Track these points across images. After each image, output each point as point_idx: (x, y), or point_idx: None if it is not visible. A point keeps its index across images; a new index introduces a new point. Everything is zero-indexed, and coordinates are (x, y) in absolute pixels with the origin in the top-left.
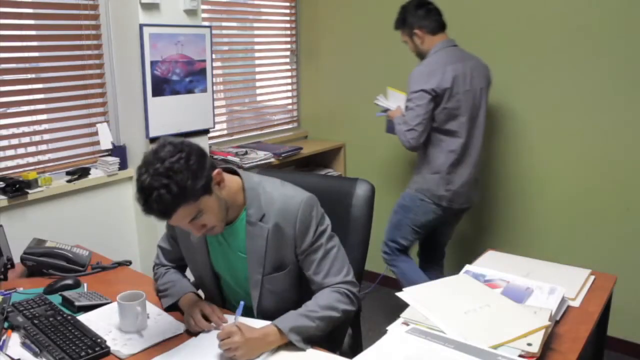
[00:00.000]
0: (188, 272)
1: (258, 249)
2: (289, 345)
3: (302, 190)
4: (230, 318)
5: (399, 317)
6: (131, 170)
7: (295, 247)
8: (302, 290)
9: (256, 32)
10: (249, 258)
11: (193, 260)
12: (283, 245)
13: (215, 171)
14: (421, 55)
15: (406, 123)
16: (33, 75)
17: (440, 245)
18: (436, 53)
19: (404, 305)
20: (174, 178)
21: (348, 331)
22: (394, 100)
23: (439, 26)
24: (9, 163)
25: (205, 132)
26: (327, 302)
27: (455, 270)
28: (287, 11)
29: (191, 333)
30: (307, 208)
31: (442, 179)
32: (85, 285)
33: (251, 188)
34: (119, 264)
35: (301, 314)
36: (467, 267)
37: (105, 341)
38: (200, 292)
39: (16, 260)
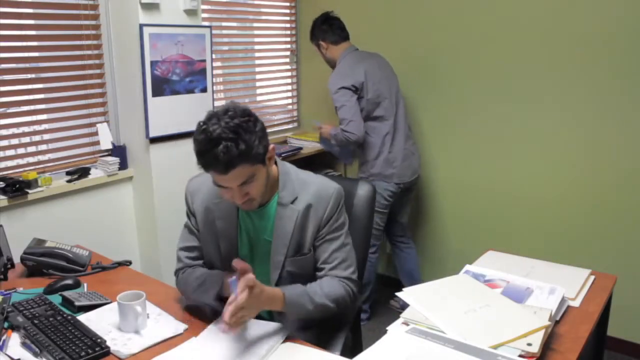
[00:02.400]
0: None
1: (285, 231)
2: (288, 346)
3: None
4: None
5: (399, 317)
6: (131, 170)
7: (318, 230)
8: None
9: (256, 32)
10: (274, 239)
11: (216, 247)
12: (308, 227)
13: (271, 146)
14: (330, 63)
15: (344, 119)
16: (33, 75)
17: (401, 223)
18: (344, 58)
19: (404, 305)
20: (242, 136)
21: (348, 331)
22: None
23: (341, 38)
24: (9, 163)
25: None
26: (330, 291)
27: (455, 270)
28: (287, 11)
29: (191, 334)
30: (339, 196)
31: (386, 159)
32: (85, 285)
33: (285, 172)
34: (119, 264)
35: (307, 292)
36: (467, 267)
37: (105, 341)
38: None
39: (16, 260)
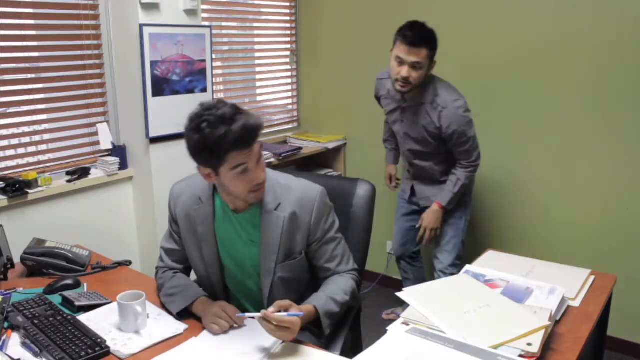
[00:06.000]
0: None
1: (273, 238)
2: (288, 346)
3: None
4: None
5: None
6: (131, 170)
7: (308, 235)
8: (309, 279)
9: (256, 32)
10: (262, 246)
11: (199, 253)
12: (297, 233)
13: None
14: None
15: (474, 151)
16: (33, 75)
17: None
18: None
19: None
20: (243, 111)
21: (348, 331)
22: None
23: None
24: (9, 163)
25: None
26: (345, 287)
27: None
28: (287, 11)
29: (191, 334)
30: (323, 198)
31: None
32: (85, 285)
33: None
34: (119, 264)
35: (330, 297)
36: (467, 267)
37: (105, 341)
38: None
39: (16, 260)
